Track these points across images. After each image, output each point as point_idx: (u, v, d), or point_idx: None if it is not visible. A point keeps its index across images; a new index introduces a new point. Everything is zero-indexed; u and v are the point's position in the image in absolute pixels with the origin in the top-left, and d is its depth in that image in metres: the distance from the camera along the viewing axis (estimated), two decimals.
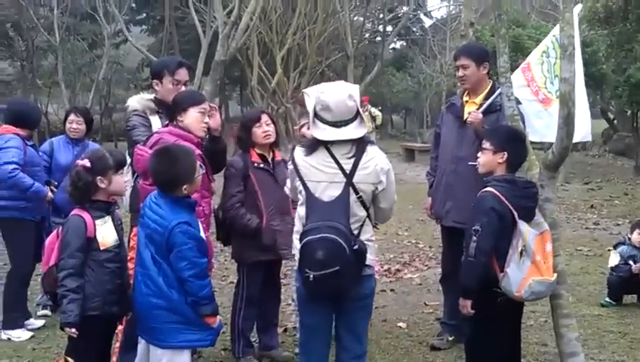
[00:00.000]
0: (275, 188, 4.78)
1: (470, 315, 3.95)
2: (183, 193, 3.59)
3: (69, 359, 3.66)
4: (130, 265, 3.87)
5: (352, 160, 3.56)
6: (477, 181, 4.29)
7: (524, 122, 4.66)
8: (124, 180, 3.90)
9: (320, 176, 3.57)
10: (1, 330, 5.67)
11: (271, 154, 4.97)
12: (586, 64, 7.53)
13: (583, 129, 4.94)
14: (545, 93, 5.17)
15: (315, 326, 3.75)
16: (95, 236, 3.67)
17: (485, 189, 3.97)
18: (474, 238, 3.83)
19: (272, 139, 4.92)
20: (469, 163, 4.61)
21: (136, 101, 4.68)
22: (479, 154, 4.16)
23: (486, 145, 4.09)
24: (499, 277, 3.86)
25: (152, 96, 4.76)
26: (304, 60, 20.57)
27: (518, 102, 4.61)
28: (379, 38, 25.22)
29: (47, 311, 6.18)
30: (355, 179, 3.54)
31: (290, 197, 4.05)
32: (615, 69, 16.32)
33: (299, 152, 3.67)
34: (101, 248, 3.68)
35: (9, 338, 5.60)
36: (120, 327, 4.15)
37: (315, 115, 3.61)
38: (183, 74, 4.73)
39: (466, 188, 4.82)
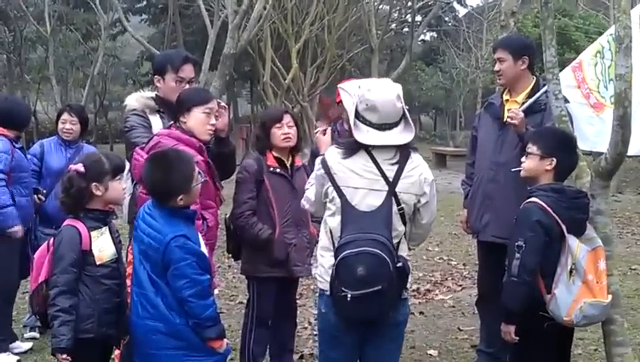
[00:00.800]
0: (291, 197, 4.79)
1: (513, 342, 3.91)
2: (178, 204, 3.58)
3: None
4: (129, 281, 3.84)
5: (396, 167, 3.55)
6: (519, 190, 4.27)
7: (572, 124, 4.62)
8: (122, 187, 3.89)
9: (359, 181, 3.55)
10: None
11: (290, 159, 4.98)
12: None
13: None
14: (597, 98, 5.11)
15: (339, 360, 3.73)
16: (91, 249, 3.67)
17: (530, 200, 3.94)
18: (517, 255, 3.81)
19: (291, 143, 4.92)
20: (511, 169, 4.58)
21: (135, 99, 4.70)
22: (523, 159, 4.13)
23: (532, 149, 4.06)
24: (545, 300, 3.83)
25: (152, 93, 4.78)
26: (322, 54, 20.54)
27: (566, 101, 4.57)
28: (406, 29, 25.22)
29: (34, 334, 6.19)
30: (397, 188, 3.53)
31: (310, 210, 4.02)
32: None
33: (334, 154, 3.64)
34: (97, 263, 3.68)
35: None
36: (117, 352, 4.15)
37: (357, 115, 3.58)
38: (188, 71, 4.74)
39: (506, 199, 4.80)
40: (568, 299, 3.78)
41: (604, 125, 4.81)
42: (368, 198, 3.53)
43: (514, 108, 4.88)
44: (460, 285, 8.14)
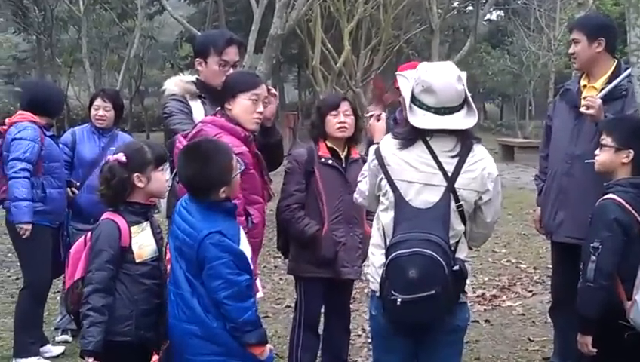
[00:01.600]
0: (343, 191, 4.82)
1: (590, 355, 3.88)
2: (220, 197, 3.60)
3: None
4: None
5: (456, 160, 3.53)
6: (597, 186, 4.23)
7: None
8: (165, 178, 3.93)
9: (414, 175, 3.54)
10: (12, 359, 5.76)
11: (345, 150, 4.99)
12: None
13: None
14: None
15: None
16: (130, 245, 3.72)
17: (606, 196, 3.91)
18: (593, 258, 3.78)
19: (347, 134, 4.93)
20: (585, 161, 4.53)
21: (175, 83, 4.75)
22: (597, 152, 4.09)
23: (606, 140, 4.02)
24: (625, 307, 3.79)
25: (193, 77, 4.82)
26: (377, 35, 20.48)
27: None
28: (471, 8, 25.02)
29: (67, 337, 6.27)
30: (457, 184, 3.51)
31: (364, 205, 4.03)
32: None
33: (389, 144, 3.64)
34: (137, 260, 3.73)
35: None
36: (155, 358, 4.19)
37: (413, 98, 3.58)
38: (232, 53, 4.77)
39: (583, 195, 4.75)
40: None
41: None
42: (424, 194, 3.51)
43: (590, 96, 4.82)
44: (530, 291, 8.05)
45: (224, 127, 4.20)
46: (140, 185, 3.76)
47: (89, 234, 3.81)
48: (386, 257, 3.48)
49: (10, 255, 8.93)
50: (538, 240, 9.65)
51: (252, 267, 3.74)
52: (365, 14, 19.49)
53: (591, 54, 5.00)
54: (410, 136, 3.58)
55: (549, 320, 5.65)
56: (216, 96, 4.47)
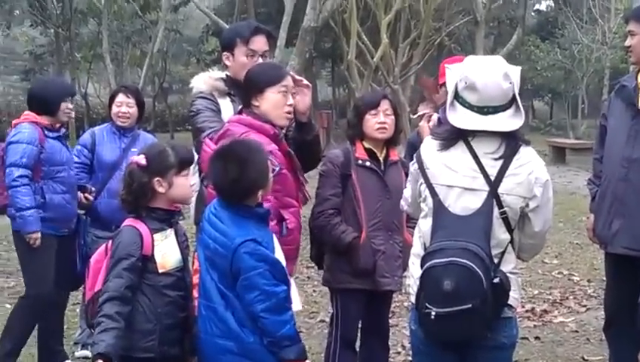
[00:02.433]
0: (382, 196, 4.80)
1: None
2: (256, 201, 3.60)
3: None
4: (196, 293, 3.85)
5: (500, 162, 3.49)
6: None
7: None
8: (189, 183, 3.92)
9: (453, 178, 3.52)
10: None
11: (384, 152, 4.96)
12: None
13: None
14: None
15: None
16: (153, 254, 3.71)
17: None
18: None
19: (387, 135, 4.90)
20: None
21: (202, 81, 4.74)
22: None
23: None
24: None
25: (222, 74, 4.81)
26: (417, 27, 20.45)
27: None
28: None
29: (87, 352, 6.18)
30: (500, 189, 3.47)
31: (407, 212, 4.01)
32: None
33: (429, 147, 3.63)
34: (160, 270, 3.73)
35: None
36: None
37: (456, 95, 3.55)
38: (260, 42, 4.75)
39: None
40: None
41: None
42: (464, 199, 3.49)
43: None
44: (584, 305, 7.99)
45: (252, 125, 4.16)
46: (160, 190, 3.75)
47: (110, 242, 3.81)
48: (421, 267, 3.46)
49: None
50: (592, 250, 9.56)
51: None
52: (404, 5, 19.43)
53: None
54: (451, 137, 3.55)
55: (605, 338, 5.58)
56: (244, 92, 4.44)
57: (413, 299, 3.63)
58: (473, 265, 3.31)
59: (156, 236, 3.74)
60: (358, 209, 4.83)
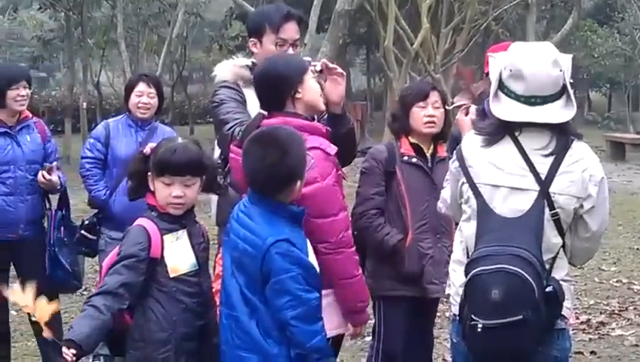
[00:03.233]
0: (430, 195, 4.77)
1: None
2: (290, 197, 3.59)
3: None
4: (217, 299, 3.86)
5: (550, 159, 3.47)
6: None
7: None
8: (169, 193, 3.82)
9: (499, 177, 3.50)
10: None
11: (431, 147, 4.95)
12: None
13: None
14: None
15: None
16: (162, 257, 3.73)
17: None
18: None
19: (436, 129, 4.89)
20: None
21: (226, 68, 4.74)
22: None
23: None
24: None
25: (248, 61, 4.80)
26: (461, 11, 20.41)
27: None
28: None
29: None
30: (552, 188, 3.45)
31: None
32: None
33: (472, 142, 3.62)
34: (171, 275, 3.74)
35: None
36: None
37: (501, 85, 3.54)
38: (291, 30, 4.74)
39: None
40: None
41: None
42: (512, 200, 3.47)
43: None
44: None
45: (303, 128, 3.96)
46: (151, 187, 3.81)
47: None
48: (466, 275, 3.43)
49: None
50: None
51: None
52: None
53: None
54: (496, 131, 3.54)
55: None
56: (275, 89, 4.36)
57: (454, 309, 3.62)
58: (524, 273, 3.28)
59: (166, 237, 3.76)
60: (404, 209, 4.83)
